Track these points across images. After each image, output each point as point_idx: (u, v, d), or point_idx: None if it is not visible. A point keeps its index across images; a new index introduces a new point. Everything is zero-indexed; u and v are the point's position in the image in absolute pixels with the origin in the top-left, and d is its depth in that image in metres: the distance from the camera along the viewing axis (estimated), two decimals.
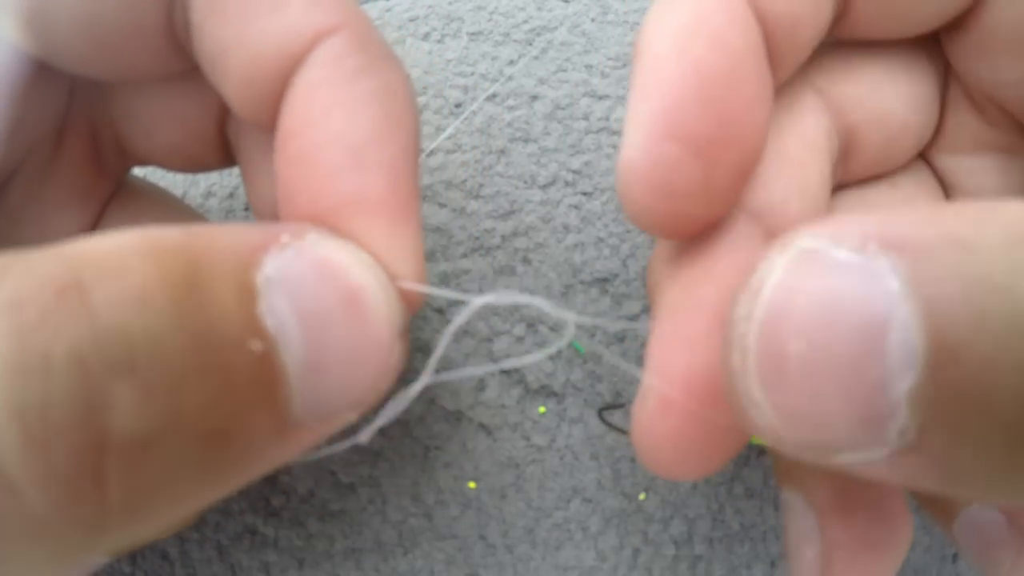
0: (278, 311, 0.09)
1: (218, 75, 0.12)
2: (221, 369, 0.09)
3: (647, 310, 0.19)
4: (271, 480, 0.18)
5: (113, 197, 0.16)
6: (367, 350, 0.10)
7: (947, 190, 0.15)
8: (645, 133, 0.11)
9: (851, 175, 0.14)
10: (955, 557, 0.19)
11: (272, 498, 0.18)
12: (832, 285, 0.08)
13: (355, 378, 0.10)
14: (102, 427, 0.08)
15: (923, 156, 0.15)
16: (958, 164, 0.14)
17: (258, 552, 0.18)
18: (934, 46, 0.14)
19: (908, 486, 0.09)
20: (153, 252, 0.09)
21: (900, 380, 0.08)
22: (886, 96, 0.14)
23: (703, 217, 0.11)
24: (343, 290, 0.10)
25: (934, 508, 0.14)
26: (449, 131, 0.20)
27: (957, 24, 0.13)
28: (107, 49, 0.13)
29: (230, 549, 0.18)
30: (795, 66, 0.13)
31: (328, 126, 0.11)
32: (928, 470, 0.08)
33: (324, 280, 0.10)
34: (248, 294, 0.09)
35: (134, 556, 0.19)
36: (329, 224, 0.11)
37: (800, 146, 0.12)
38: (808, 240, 0.08)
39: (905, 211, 0.08)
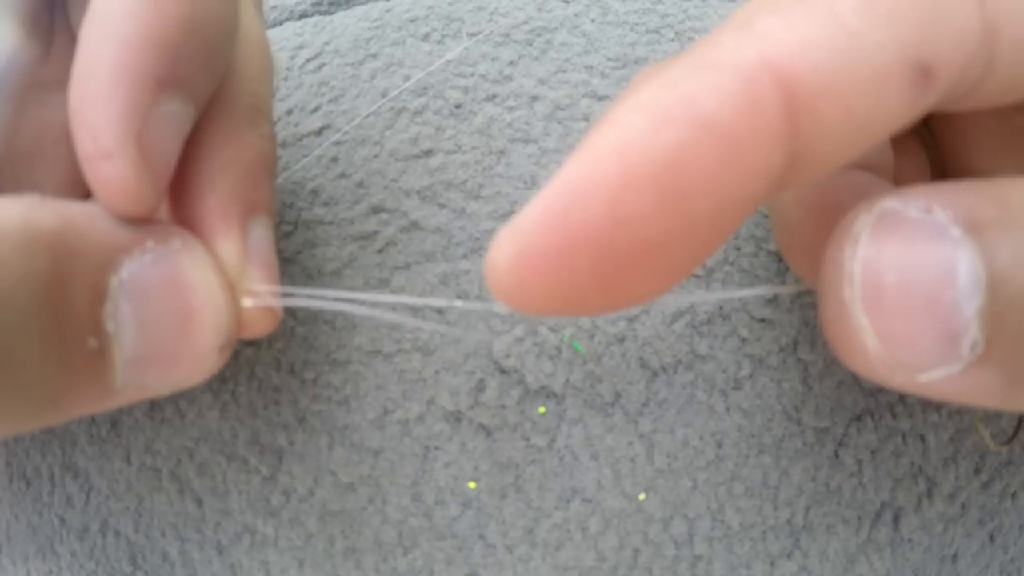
0: (120, 315, 0.11)
1: None
2: (60, 357, 0.11)
3: (647, 310, 0.19)
4: (271, 480, 0.18)
5: None
6: (188, 357, 0.12)
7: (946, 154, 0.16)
8: (513, 251, 0.10)
9: None
10: (955, 557, 0.19)
11: (272, 498, 0.18)
12: (910, 233, 0.10)
13: (171, 375, 0.12)
14: None
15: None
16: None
17: (258, 552, 0.18)
18: None
19: (977, 401, 0.11)
20: (27, 245, 0.10)
21: (970, 301, 0.09)
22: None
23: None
24: (182, 306, 0.12)
25: None
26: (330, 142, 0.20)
27: None
28: None
29: (230, 549, 0.18)
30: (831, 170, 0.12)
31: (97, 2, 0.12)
32: (993, 377, 0.10)
33: (168, 293, 0.12)
34: (98, 296, 0.11)
35: (134, 556, 0.19)
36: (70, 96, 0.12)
37: None
38: (887, 203, 0.10)
39: (957, 183, 0.10)
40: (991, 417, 0.18)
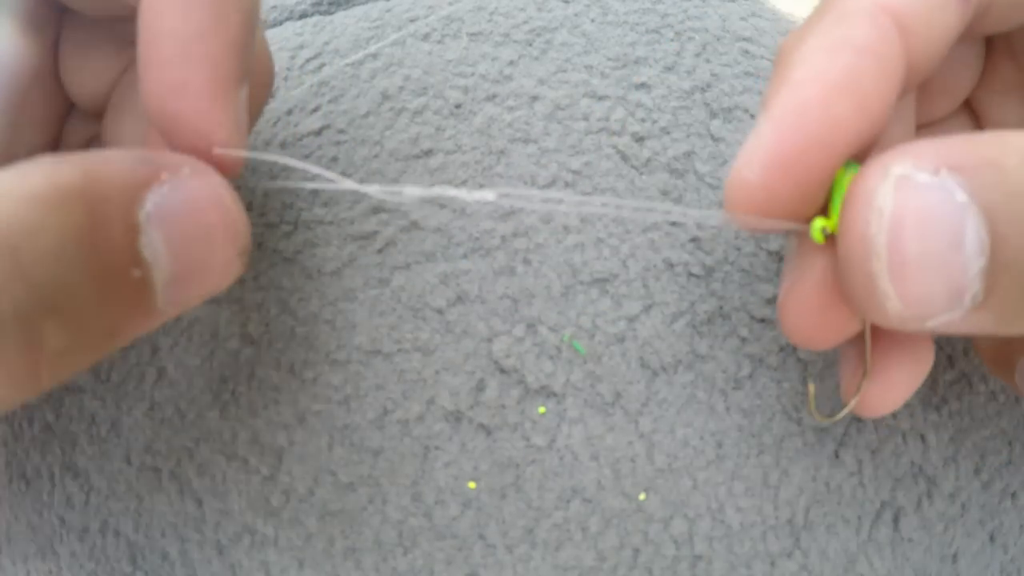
0: (153, 243, 0.13)
1: None
2: (112, 292, 0.12)
3: (647, 310, 0.19)
4: (271, 480, 0.18)
5: (72, 113, 0.18)
6: (215, 267, 0.14)
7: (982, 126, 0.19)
8: (764, 164, 0.13)
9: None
10: (955, 557, 0.19)
11: (272, 498, 0.18)
12: (925, 202, 0.12)
13: (204, 286, 0.14)
14: (38, 350, 0.11)
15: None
16: (994, 102, 0.18)
17: (258, 552, 0.18)
18: None
19: (970, 333, 0.13)
20: (61, 203, 0.11)
21: (976, 262, 0.11)
22: None
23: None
24: (203, 224, 0.14)
25: (996, 366, 0.18)
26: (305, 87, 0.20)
27: None
28: None
29: (230, 549, 0.18)
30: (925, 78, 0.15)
31: (162, 24, 0.14)
32: (986, 318, 0.12)
33: (189, 215, 0.13)
34: (132, 230, 0.12)
35: (134, 556, 0.19)
36: (162, 108, 0.14)
37: None
38: (898, 168, 0.12)
39: (956, 140, 0.12)
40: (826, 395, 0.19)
